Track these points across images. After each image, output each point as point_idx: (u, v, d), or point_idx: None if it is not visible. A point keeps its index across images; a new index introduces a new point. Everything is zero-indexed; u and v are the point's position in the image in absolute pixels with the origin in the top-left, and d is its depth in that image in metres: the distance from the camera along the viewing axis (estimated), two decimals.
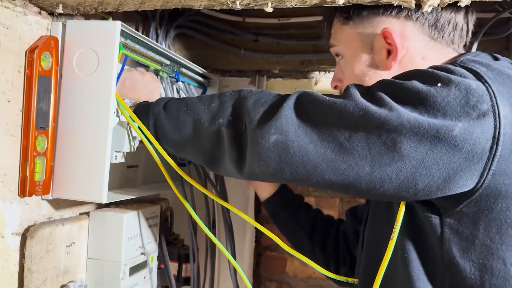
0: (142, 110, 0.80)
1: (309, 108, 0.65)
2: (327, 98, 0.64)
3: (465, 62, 0.65)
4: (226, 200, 1.04)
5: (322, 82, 1.30)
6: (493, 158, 0.58)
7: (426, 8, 0.68)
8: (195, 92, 1.20)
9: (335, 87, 0.88)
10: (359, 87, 0.66)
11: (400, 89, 0.62)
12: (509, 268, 0.62)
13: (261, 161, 0.66)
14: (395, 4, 0.69)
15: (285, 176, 0.66)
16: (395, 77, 0.66)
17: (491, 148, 0.58)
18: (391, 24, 0.77)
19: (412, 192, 0.61)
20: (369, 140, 0.60)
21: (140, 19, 1.11)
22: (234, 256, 1.05)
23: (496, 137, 0.58)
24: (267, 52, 1.26)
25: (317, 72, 1.33)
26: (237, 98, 0.72)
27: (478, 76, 0.61)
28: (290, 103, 0.66)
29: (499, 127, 0.58)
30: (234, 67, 1.34)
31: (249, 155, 0.68)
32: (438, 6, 0.68)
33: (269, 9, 0.71)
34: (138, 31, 1.02)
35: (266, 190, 1.08)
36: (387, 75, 0.75)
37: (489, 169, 0.59)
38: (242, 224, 1.36)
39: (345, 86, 0.72)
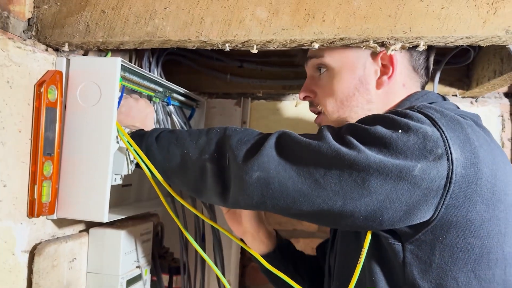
0: (136, 139, 0.88)
1: (288, 148, 0.74)
2: (304, 139, 0.73)
3: (422, 108, 0.75)
4: (214, 215, 1.13)
5: (302, 104, 1.40)
6: (447, 194, 0.68)
7: (389, 52, 0.78)
8: (183, 113, 1.29)
9: (305, 98, 0.94)
10: (331, 129, 0.76)
11: (366, 134, 0.71)
12: (460, 286, 0.71)
13: (245, 194, 0.75)
14: (363, 49, 0.79)
15: (267, 208, 0.76)
16: (360, 121, 0.76)
17: (445, 185, 0.68)
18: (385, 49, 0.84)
19: (378, 222, 0.71)
20: (341, 178, 0.69)
21: (133, 49, 1.20)
22: (223, 268, 1.13)
23: (450, 176, 0.68)
24: (251, 77, 1.35)
25: (296, 95, 1.42)
26: (222, 136, 0.80)
27: (434, 123, 0.71)
28: (271, 143, 0.75)
29: (452, 168, 0.68)
30: (220, 90, 1.43)
31: (233, 188, 0.76)
32: (399, 49, 0.79)
33: (254, 50, 0.81)
34: (131, 61, 1.12)
35: (262, 244, 1.04)
36: (375, 94, 0.86)
37: (443, 203, 0.69)
38: (229, 237, 1.44)
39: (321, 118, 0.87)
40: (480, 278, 0.71)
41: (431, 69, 0.94)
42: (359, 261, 0.77)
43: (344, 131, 0.74)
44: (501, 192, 0.71)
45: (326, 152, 0.70)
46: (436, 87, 1.25)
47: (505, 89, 1.35)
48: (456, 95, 1.34)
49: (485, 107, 1.37)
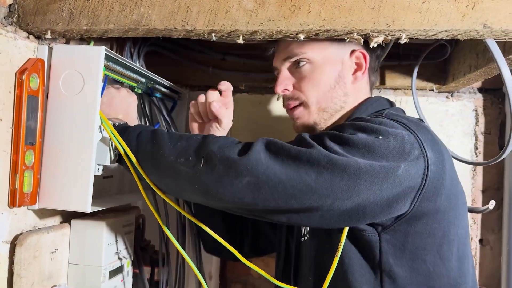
0: (119, 132, 0.88)
1: (277, 153, 0.76)
2: (292, 146, 0.76)
3: (390, 115, 0.85)
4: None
5: None
6: (422, 189, 0.76)
7: (372, 44, 0.80)
8: (165, 105, 1.28)
9: (283, 91, 0.99)
10: (312, 138, 0.79)
11: (350, 141, 0.76)
12: (428, 266, 0.80)
13: (235, 198, 0.76)
14: (347, 41, 0.81)
15: (258, 208, 0.77)
16: (338, 129, 0.81)
17: (421, 181, 0.76)
18: (359, 47, 0.96)
19: (360, 216, 0.76)
20: (332, 182, 0.72)
21: (114, 38, 1.18)
22: (200, 259, 1.13)
23: (425, 174, 0.76)
24: (234, 70, 1.36)
25: None
26: (202, 142, 0.81)
27: (406, 127, 0.79)
28: (258, 148, 0.77)
29: (428, 166, 0.76)
30: (203, 82, 1.43)
31: (220, 191, 0.76)
32: (382, 42, 0.81)
33: (240, 41, 0.82)
34: (113, 50, 1.11)
35: None
36: (351, 88, 0.96)
37: (419, 197, 0.77)
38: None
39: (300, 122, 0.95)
40: (442, 257, 0.81)
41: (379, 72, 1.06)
42: (336, 254, 0.81)
43: (325, 139, 0.78)
44: (453, 182, 0.82)
45: (318, 158, 0.73)
46: (414, 82, 1.29)
47: (479, 84, 1.41)
48: (433, 90, 1.39)
49: (460, 101, 1.42)
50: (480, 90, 1.42)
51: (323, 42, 0.94)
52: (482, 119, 1.40)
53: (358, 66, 0.97)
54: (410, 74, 1.33)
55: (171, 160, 0.80)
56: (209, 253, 1.18)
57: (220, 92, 1.02)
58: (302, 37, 0.80)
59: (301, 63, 0.96)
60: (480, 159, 1.39)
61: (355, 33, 0.79)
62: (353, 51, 0.97)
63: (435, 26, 0.77)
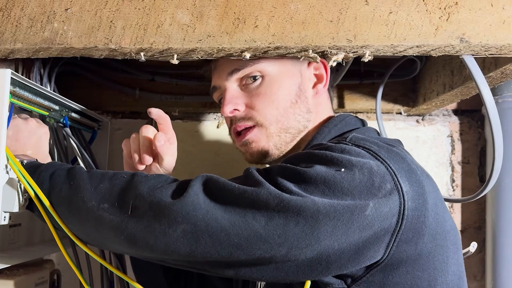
0: (30, 171, 0.82)
1: (218, 195, 0.72)
2: (236, 185, 0.72)
3: (355, 140, 0.80)
4: (123, 261, 1.09)
5: (225, 125, 1.36)
6: (399, 230, 0.72)
7: (331, 63, 0.81)
8: (84, 137, 1.24)
9: (232, 112, 0.95)
10: (260, 172, 0.76)
11: (305, 176, 0.72)
12: None
13: (169, 250, 0.72)
14: (301, 59, 0.82)
15: (198, 261, 0.73)
16: (290, 161, 0.78)
17: (397, 222, 0.72)
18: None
19: (324, 266, 0.71)
20: (286, 227, 0.68)
21: (20, 59, 1.13)
22: None
23: (402, 212, 0.72)
24: (164, 93, 1.34)
25: (218, 114, 1.41)
26: (129, 182, 0.77)
27: (375, 156, 0.75)
28: (195, 189, 0.73)
29: (404, 203, 0.72)
30: (127, 108, 1.39)
31: (151, 244, 0.72)
32: (342, 60, 0.82)
33: (174, 61, 0.80)
34: (18, 72, 1.05)
35: None
36: (312, 103, 0.95)
37: (395, 241, 0.72)
38: None
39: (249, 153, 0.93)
40: None
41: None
42: None
43: (277, 174, 0.74)
44: (439, 219, 0.77)
45: (266, 200, 0.70)
46: (379, 104, 1.28)
47: (454, 105, 1.39)
48: (400, 113, 1.37)
49: (432, 126, 1.39)
50: (455, 112, 1.40)
51: None
52: (459, 146, 1.38)
53: (318, 78, 0.96)
54: (373, 94, 1.31)
55: (92, 206, 0.76)
56: None
57: (154, 125, 0.95)
58: (248, 55, 0.80)
59: (253, 78, 0.93)
60: (458, 193, 1.37)
61: (311, 51, 0.79)
62: (310, 61, 0.94)
63: (404, 41, 0.77)
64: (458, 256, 0.82)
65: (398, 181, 0.73)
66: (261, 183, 0.72)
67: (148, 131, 0.94)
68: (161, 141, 0.91)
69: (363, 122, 0.97)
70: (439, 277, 0.76)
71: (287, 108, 0.92)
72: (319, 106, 0.97)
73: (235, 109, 0.95)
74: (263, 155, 0.96)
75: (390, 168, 0.74)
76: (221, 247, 0.70)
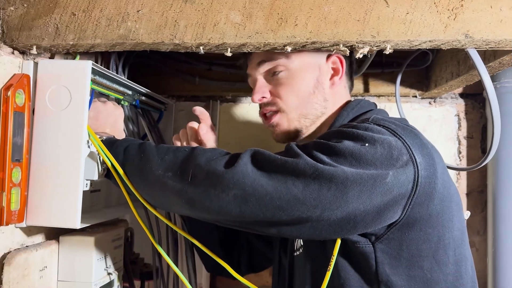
0: (106, 146, 0.87)
1: (264, 165, 0.75)
2: (279, 157, 0.75)
3: (376, 121, 0.82)
4: (185, 223, 1.13)
5: None
6: (413, 195, 0.75)
7: (358, 55, 0.82)
8: (152, 116, 1.28)
9: (261, 100, 0.98)
10: (299, 147, 0.78)
11: (336, 150, 0.75)
12: (425, 273, 0.78)
13: (222, 211, 0.75)
14: (333, 52, 0.82)
15: (245, 221, 0.76)
16: (323, 138, 0.80)
17: (412, 188, 0.74)
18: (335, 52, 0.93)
19: (352, 226, 0.74)
20: (320, 192, 0.71)
21: (99, 52, 1.18)
22: (195, 272, 1.13)
23: (416, 179, 0.74)
24: (220, 80, 1.36)
25: None
26: (189, 154, 0.81)
27: (393, 133, 0.78)
28: (245, 160, 0.76)
29: (418, 172, 0.74)
30: (189, 93, 1.43)
31: (208, 204, 0.76)
32: (367, 53, 0.82)
33: (228, 54, 0.82)
34: (98, 63, 1.10)
35: None
36: (328, 93, 0.96)
37: (410, 204, 0.75)
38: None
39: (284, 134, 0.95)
40: (439, 262, 0.79)
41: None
42: (328, 269, 0.80)
43: (312, 148, 0.77)
44: (446, 185, 0.80)
45: (304, 168, 0.72)
46: (398, 89, 1.31)
47: (460, 90, 1.44)
48: (416, 96, 1.41)
49: (442, 107, 1.45)
50: (461, 95, 1.45)
51: None
52: (464, 124, 1.43)
53: (335, 71, 0.97)
54: (393, 81, 1.35)
55: (159, 174, 0.80)
56: (211, 273, 1.17)
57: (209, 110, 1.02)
58: (289, 49, 0.81)
59: (277, 71, 0.95)
60: (464, 163, 1.42)
61: (341, 45, 0.80)
62: (329, 56, 0.97)
63: (418, 37, 0.78)
64: (460, 215, 0.85)
65: (413, 154, 0.75)
66: (300, 155, 0.75)
67: (193, 124, 1.02)
68: (204, 130, 1.00)
69: (375, 105, 0.99)
70: (447, 232, 0.79)
71: (305, 97, 0.95)
72: (335, 95, 0.98)
73: (262, 97, 0.98)
74: (286, 136, 0.98)
75: (406, 143, 0.76)
76: (266, 208, 0.73)
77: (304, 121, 0.96)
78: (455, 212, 0.82)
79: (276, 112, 0.97)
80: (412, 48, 0.81)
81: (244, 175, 0.74)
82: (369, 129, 0.78)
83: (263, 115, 1.01)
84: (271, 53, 0.94)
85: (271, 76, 0.97)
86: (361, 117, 0.92)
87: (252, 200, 0.73)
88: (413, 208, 0.75)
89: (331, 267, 0.79)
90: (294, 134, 0.98)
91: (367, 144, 0.74)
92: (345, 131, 0.79)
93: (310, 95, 0.95)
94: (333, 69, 0.97)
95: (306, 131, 0.98)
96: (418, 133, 0.82)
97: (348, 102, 0.98)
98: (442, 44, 0.80)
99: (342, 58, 0.97)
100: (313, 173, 0.72)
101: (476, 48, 0.83)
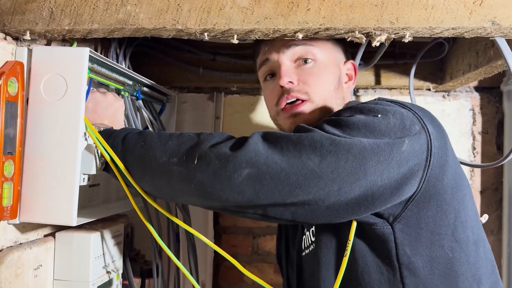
0: (104, 138, 0.82)
1: (276, 142, 0.71)
2: (292, 133, 0.72)
3: (383, 99, 0.82)
4: (188, 217, 1.08)
5: None
6: (429, 166, 0.73)
7: (375, 43, 0.76)
8: (154, 107, 1.23)
9: (288, 84, 0.91)
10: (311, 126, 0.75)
11: (350, 123, 0.73)
12: (446, 252, 0.75)
13: (235, 193, 0.71)
14: (348, 39, 0.76)
15: (261, 203, 0.71)
16: (334, 114, 0.78)
17: (427, 157, 0.73)
18: (349, 58, 0.98)
19: (370, 202, 0.71)
20: (337, 164, 0.68)
21: (98, 39, 1.13)
22: (197, 268, 1.09)
23: (429, 148, 0.73)
24: (224, 71, 1.31)
25: None
26: (195, 139, 0.76)
27: (403, 106, 0.77)
28: (255, 139, 0.72)
29: (430, 140, 0.73)
30: (192, 84, 1.38)
31: (218, 187, 0.71)
32: (385, 41, 0.76)
33: (235, 41, 0.77)
34: (97, 51, 1.05)
35: None
36: (342, 93, 0.96)
37: (426, 175, 0.73)
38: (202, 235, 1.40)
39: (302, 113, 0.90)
40: (459, 241, 0.76)
41: None
42: (345, 254, 0.76)
43: (326, 126, 0.74)
44: (456, 162, 0.79)
45: (320, 140, 0.70)
46: (411, 81, 1.26)
47: (475, 83, 1.38)
48: (429, 89, 1.35)
49: (456, 101, 1.39)
50: (476, 89, 1.39)
51: (328, 44, 0.93)
52: (479, 119, 1.38)
53: (349, 78, 0.99)
54: (405, 73, 1.30)
55: (163, 161, 0.75)
56: None
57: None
58: (300, 36, 0.75)
59: (307, 59, 0.92)
60: (478, 159, 1.36)
61: (357, 32, 0.74)
62: (346, 61, 0.99)
63: (441, 24, 0.73)
64: (471, 196, 0.82)
65: (424, 123, 0.74)
66: (313, 130, 0.73)
67: None
68: None
69: None
70: (462, 210, 0.77)
71: (331, 91, 0.93)
72: (344, 100, 0.97)
73: (289, 81, 0.91)
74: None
75: (417, 113, 0.75)
76: (282, 186, 0.69)
77: (323, 114, 0.90)
78: (466, 192, 0.80)
79: (303, 101, 0.91)
80: (432, 36, 0.76)
81: (257, 153, 0.70)
82: (379, 103, 0.78)
83: (284, 102, 0.93)
84: (301, 40, 0.88)
85: (300, 63, 0.92)
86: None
87: (267, 178, 0.69)
88: (428, 180, 0.73)
89: (347, 252, 0.76)
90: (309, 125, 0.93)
91: (379, 115, 0.73)
92: (356, 106, 0.78)
93: (335, 90, 0.94)
94: (347, 75, 0.99)
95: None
96: (426, 109, 0.81)
97: (348, 102, 0.97)
98: (466, 32, 0.74)
99: (356, 66, 0.99)
100: (330, 144, 0.69)
101: (503, 37, 0.77)
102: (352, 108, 0.77)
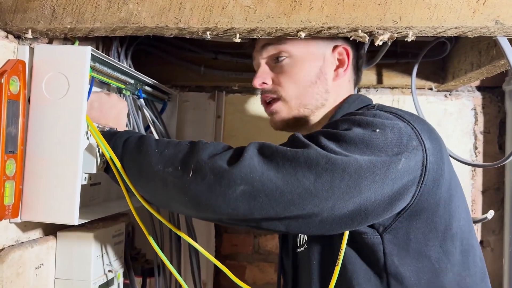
0: (106, 137, 0.82)
1: (271, 157, 0.70)
2: (288, 148, 0.71)
3: (382, 108, 0.81)
4: (191, 221, 1.08)
5: None
6: (422, 181, 0.73)
7: (378, 42, 0.76)
8: (155, 107, 1.23)
9: (261, 85, 0.94)
10: (306, 137, 0.74)
11: (346, 138, 0.71)
12: (433, 263, 0.76)
13: (229, 209, 0.70)
14: (350, 39, 0.76)
15: (255, 218, 0.71)
16: (332, 125, 0.76)
17: (421, 173, 0.72)
18: (342, 43, 0.91)
19: (363, 217, 0.71)
20: (332, 183, 0.68)
21: (100, 38, 1.12)
22: (199, 268, 1.08)
23: (424, 165, 0.72)
24: (226, 70, 1.31)
25: None
26: (191, 149, 0.75)
27: (401, 118, 0.76)
28: (250, 153, 0.71)
29: (426, 157, 0.73)
30: (193, 83, 1.38)
31: (212, 202, 0.71)
32: (388, 40, 0.76)
33: (237, 40, 0.76)
34: (98, 50, 1.04)
35: None
36: (332, 85, 0.92)
37: (419, 190, 0.73)
38: (203, 235, 1.40)
39: (283, 113, 0.91)
40: (446, 252, 0.76)
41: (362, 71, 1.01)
42: (337, 263, 0.76)
43: (321, 138, 0.73)
44: (451, 173, 0.79)
45: (316, 158, 0.68)
46: (414, 81, 1.25)
47: (477, 82, 1.37)
48: (431, 88, 1.35)
49: (458, 100, 1.38)
50: (478, 88, 1.39)
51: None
52: (481, 118, 1.37)
53: (340, 63, 0.93)
54: (407, 72, 1.29)
55: (158, 169, 0.74)
56: None
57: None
58: (303, 35, 0.75)
59: (281, 58, 0.91)
60: (480, 158, 1.36)
61: (360, 31, 0.74)
62: (335, 47, 0.92)
63: (444, 23, 0.72)
64: (465, 205, 0.83)
65: (422, 139, 0.73)
66: (309, 145, 0.71)
67: None
68: None
69: (372, 101, 0.96)
70: (454, 222, 0.77)
71: (306, 87, 0.91)
72: (339, 87, 0.94)
73: (263, 83, 0.94)
74: (284, 124, 0.95)
75: (415, 128, 0.74)
76: (276, 203, 0.69)
77: (304, 110, 0.93)
78: (460, 202, 0.80)
79: (276, 99, 0.93)
80: (435, 35, 0.75)
81: (252, 169, 0.69)
82: (377, 115, 0.76)
83: (263, 101, 0.98)
84: (277, 37, 0.88)
85: (274, 62, 0.93)
86: (369, 106, 0.88)
87: (262, 195, 0.68)
88: (421, 195, 0.73)
89: (340, 261, 0.76)
90: (292, 123, 0.95)
91: (377, 130, 0.72)
92: (354, 118, 0.76)
93: (312, 85, 0.91)
94: (338, 60, 0.93)
95: (305, 121, 0.95)
96: (424, 120, 0.80)
97: (349, 96, 0.94)
98: (469, 31, 0.73)
99: (349, 50, 0.93)
100: (326, 163, 0.68)
101: (506, 36, 0.76)
102: (350, 120, 0.76)
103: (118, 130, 0.88)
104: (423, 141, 0.73)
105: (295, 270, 0.94)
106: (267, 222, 0.73)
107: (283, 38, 0.84)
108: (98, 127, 0.84)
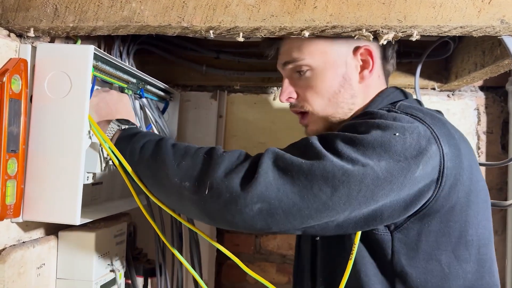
0: (125, 139, 0.81)
1: (287, 170, 0.70)
2: (302, 160, 0.70)
3: (403, 109, 0.79)
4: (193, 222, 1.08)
5: None
6: (439, 187, 0.72)
7: (382, 41, 0.75)
8: (157, 106, 1.22)
9: (288, 100, 0.93)
10: (321, 141, 0.73)
11: (364, 142, 0.70)
12: (443, 267, 0.75)
13: (247, 224, 0.70)
14: (355, 38, 0.76)
15: (272, 232, 0.73)
16: (350, 127, 0.75)
17: (438, 179, 0.72)
18: (363, 42, 0.87)
19: (378, 221, 0.72)
20: (350, 196, 0.68)
21: (102, 37, 1.12)
22: (200, 267, 1.08)
23: (441, 170, 0.72)
24: (228, 69, 1.30)
25: (275, 88, 1.39)
26: (207, 164, 0.74)
27: (422, 121, 0.74)
28: (265, 168, 0.70)
29: (443, 162, 0.72)
30: (195, 82, 1.37)
31: (230, 220, 0.71)
32: (392, 39, 0.76)
33: (240, 39, 0.76)
34: (100, 49, 1.04)
35: None
36: (358, 88, 0.88)
37: (435, 195, 0.73)
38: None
39: (309, 128, 0.90)
40: (459, 258, 0.76)
41: (395, 58, 0.98)
42: (350, 257, 0.77)
43: (337, 142, 0.72)
44: (473, 179, 0.77)
45: (332, 171, 0.68)
46: (417, 80, 1.24)
47: (480, 82, 1.37)
48: (434, 88, 1.34)
49: (461, 100, 1.38)
50: (481, 88, 1.38)
51: (322, 45, 0.86)
52: (484, 118, 1.36)
53: (365, 63, 0.89)
54: (410, 72, 1.28)
55: (175, 182, 0.74)
56: None
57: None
58: (307, 34, 0.74)
59: (302, 71, 0.89)
60: (482, 158, 1.35)
61: (364, 30, 0.73)
62: (356, 49, 0.88)
63: (449, 22, 0.72)
64: (488, 213, 0.81)
65: (440, 144, 0.72)
66: (324, 155, 0.70)
67: None
68: None
69: (406, 95, 0.93)
70: (470, 229, 0.76)
71: (330, 98, 0.88)
72: (367, 87, 0.90)
73: (289, 98, 0.93)
74: (317, 134, 0.90)
75: (434, 132, 0.73)
76: (293, 218, 0.69)
77: (333, 119, 0.91)
78: (482, 209, 0.79)
79: (305, 113, 0.93)
80: (440, 35, 0.75)
81: (268, 187, 0.69)
82: (397, 118, 0.75)
83: (294, 112, 0.96)
84: (295, 54, 0.88)
85: (297, 76, 0.91)
86: (393, 105, 0.86)
87: (279, 212, 0.69)
88: (437, 199, 0.73)
89: (353, 256, 0.77)
90: (327, 130, 0.92)
91: (396, 134, 0.71)
92: (373, 121, 0.75)
93: (336, 95, 0.88)
94: (362, 61, 0.89)
95: (339, 124, 0.91)
96: (446, 122, 0.79)
97: (383, 90, 0.91)
98: (474, 30, 0.73)
99: (371, 48, 0.88)
100: (343, 175, 0.68)
101: (511, 36, 0.76)
102: (369, 123, 0.74)
103: (131, 120, 0.88)
104: (441, 146, 0.72)
105: (313, 258, 0.93)
106: (283, 232, 0.74)
107: (300, 53, 0.86)
108: (117, 124, 0.84)
